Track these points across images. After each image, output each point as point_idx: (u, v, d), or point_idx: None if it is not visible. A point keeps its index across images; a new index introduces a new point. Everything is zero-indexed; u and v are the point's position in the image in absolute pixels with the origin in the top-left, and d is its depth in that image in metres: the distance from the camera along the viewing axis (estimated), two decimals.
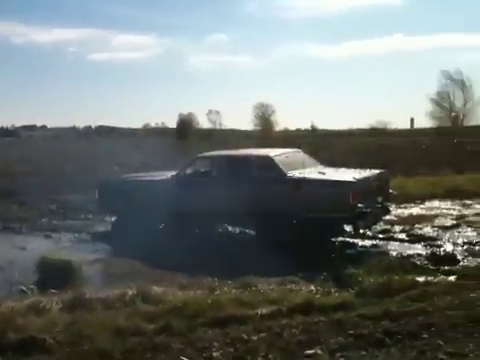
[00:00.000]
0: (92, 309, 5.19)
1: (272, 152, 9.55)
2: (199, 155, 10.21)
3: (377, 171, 9.37)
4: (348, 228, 8.91)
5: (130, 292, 5.59)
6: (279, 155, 9.32)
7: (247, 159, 9.47)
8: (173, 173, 9.77)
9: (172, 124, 63.86)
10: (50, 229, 10.42)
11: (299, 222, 8.59)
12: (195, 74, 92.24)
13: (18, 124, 74.51)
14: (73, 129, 69.98)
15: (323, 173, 8.99)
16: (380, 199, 9.21)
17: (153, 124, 68.81)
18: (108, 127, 69.94)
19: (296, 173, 8.76)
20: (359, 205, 8.25)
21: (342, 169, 9.71)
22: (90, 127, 73.84)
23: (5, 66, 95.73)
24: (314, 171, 9.06)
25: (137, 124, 74.63)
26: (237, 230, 9.74)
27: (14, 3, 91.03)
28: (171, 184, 9.55)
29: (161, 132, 60.85)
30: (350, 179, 8.43)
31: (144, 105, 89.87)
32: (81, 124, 74.24)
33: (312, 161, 9.83)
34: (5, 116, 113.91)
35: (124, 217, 9.87)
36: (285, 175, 8.74)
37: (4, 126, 73.19)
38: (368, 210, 8.42)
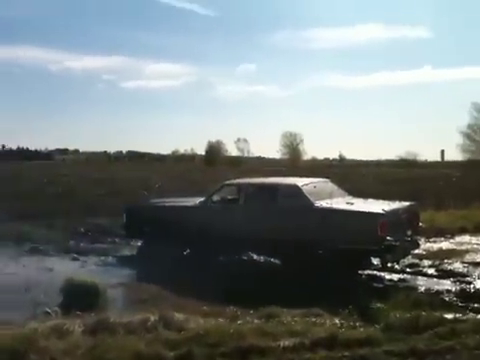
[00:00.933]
0: (114, 333, 5.18)
1: (300, 181, 9.46)
2: (226, 182, 10.17)
3: (407, 203, 9.18)
4: (375, 261, 8.75)
5: (152, 318, 5.57)
6: (307, 184, 9.22)
7: (274, 187, 9.40)
8: (200, 199, 9.79)
9: (201, 151, 64.63)
10: (77, 251, 10.53)
11: (325, 253, 8.42)
12: (224, 102, 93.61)
13: (51, 147, 76.33)
14: (104, 154, 71.24)
15: (351, 203, 8.84)
16: (409, 232, 8.99)
17: (182, 150, 69.66)
18: (138, 152, 70.97)
19: (323, 203, 8.63)
20: (388, 238, 8.04)
21: (370, 200, 9.53)
22: (121, 152, 75.15)
23: (41, 92, 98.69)
24: (342, 201, 8.89)
25: (166, 150, 75.56)
26: (262, 258, 9.64)
27: (51, 31, 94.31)
28: (198, 210, 9.58)
29: (189, 158, 61.58)
30: (379, 210, 8.25)
31: (174, 132, 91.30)
32: (112, 149, 75.51)
33: (340, 191, 9.67)
34: (39, 139, 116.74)
35: (150, 242, 9.87)
36: (312, 205, 8.62)
37: (38, 149, 75.04)
38: (397, 243, 8.19)
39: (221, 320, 5.81)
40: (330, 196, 8.74)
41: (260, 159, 61.32)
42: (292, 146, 60.55)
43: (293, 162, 53.79)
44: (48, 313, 6.18)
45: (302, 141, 60.24)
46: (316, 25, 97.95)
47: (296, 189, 8.99)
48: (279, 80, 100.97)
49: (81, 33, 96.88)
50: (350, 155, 60.31)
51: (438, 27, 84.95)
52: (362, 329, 5.47)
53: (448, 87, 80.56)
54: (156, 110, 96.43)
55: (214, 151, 61.58)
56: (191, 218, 9.48)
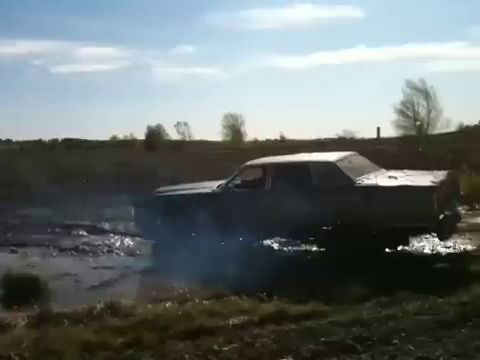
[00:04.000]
0: (59, 324, 5.06)
1: (331, 157, 8.51)
2: (248, 163, 9.06)
3: (446, 171, 8.43)
4: None
5: (98, 306, 5.48)
6: (341, 160, 8.29)
7: (306, 166, 8.30)
8: (218, 184, 8.93)
9: (141, 136, 63.60)
10: (16, 244, 10.15)
11: (370, 235, 7.65)
12: (163, 86, 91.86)
13: None
14: (39, 142, 68.60)
15: (395, 178, 8.01)
16: (456, 203, 8.52)
17: (121, 136, 68.31)
18: (75, 140, 68.91)
19: (365, 180, 7.91)
20: (443, 211, 7.47)
21: (410, 171, 8.71)
22: (57, 140, 72.60)
23: None
24: (383, 176, 8.16)
25: (105, 137, 73.71)
26: (292, 246, 8.88)
27: None
28: (219, 197, 8.66)
29: (129, 144, 60.59)
30: (430, 183, 7.50)
31: (112, 117, 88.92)
32: (47, 137, 72.62)
33: (373, 165, 8.95)
34: None
35: (166, 235, 8.67)
36: (353, 183, 7.81)
37: None
38: (450, 216, 7.67)
39: (169, 304, 5.79)
40: (367, 171, 8.17)
41: (202, 142, 61.03)
42: (234, 128, 60.69)
43: (236, 144, 53.89)
44: None
45: (243, 122, 60.56)
46: (252, 6, 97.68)
47: (332, 167, 8.05)
48: (218, 61, 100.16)
49: (6, 18, 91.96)
50: (291, 135, 60.92)
51: (371, 6, 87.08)
52: (308, 303, 5.60)
53: (384, 65, 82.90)
54: (92, 95, 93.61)
55: (154, 136, 60.79)
56: (211, 206, 8.46)
